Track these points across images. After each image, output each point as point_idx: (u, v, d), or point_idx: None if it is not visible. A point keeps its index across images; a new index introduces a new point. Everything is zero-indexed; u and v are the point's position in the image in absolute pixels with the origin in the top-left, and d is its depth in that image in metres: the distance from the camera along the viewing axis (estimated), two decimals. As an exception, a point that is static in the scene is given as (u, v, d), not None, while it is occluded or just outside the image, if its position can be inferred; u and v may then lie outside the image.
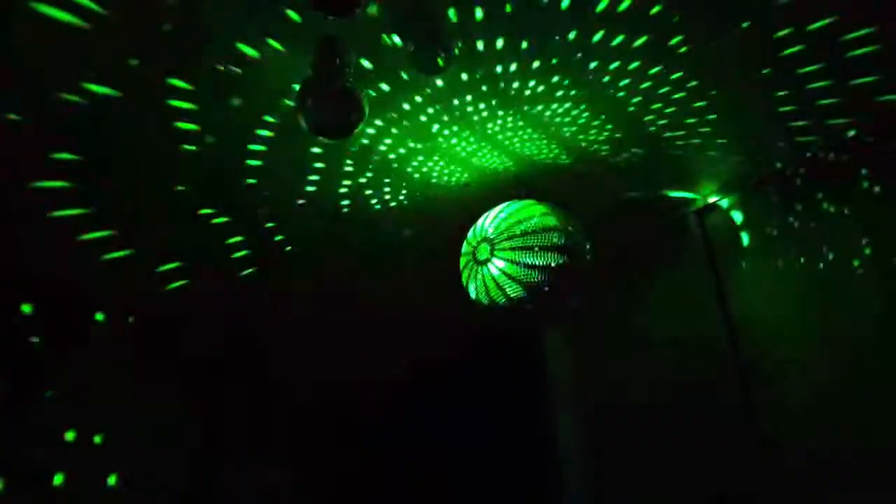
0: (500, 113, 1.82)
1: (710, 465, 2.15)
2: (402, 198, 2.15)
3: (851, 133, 2.03)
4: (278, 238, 2.27)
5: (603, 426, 2.54)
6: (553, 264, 1.59)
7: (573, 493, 2.56)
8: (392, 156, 1.94)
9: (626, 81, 1.74)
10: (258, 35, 1.45)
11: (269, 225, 2.19)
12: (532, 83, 1.71)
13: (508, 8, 1.45)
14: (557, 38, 1.56)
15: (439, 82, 1.66)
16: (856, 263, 1.97)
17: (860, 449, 1.83)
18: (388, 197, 2.13)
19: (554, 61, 1.64)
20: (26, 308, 2.24)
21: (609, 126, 1.93)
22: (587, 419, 2.61)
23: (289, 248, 2.32)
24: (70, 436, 2.23)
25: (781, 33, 1.60)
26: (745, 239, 2.29)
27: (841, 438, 1.88)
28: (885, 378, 1.83)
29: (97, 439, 2.30)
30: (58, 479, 2.15)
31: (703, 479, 2.15)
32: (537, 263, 1.59)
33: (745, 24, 1.57)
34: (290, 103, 1.64)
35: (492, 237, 1.66)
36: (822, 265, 2.06)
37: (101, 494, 2.26)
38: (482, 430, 3.11)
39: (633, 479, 2.37)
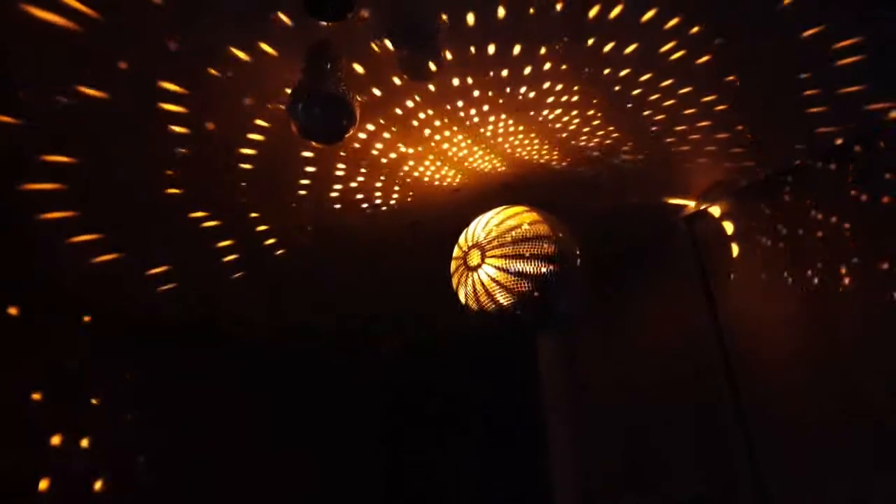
0: (493, 118, 1.82)
1: (698, 465, 2.16)
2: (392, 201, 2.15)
3: (839, 141, 2.06)
4: (270, 241, 2.26)
5: (594, 430, 2.55)
6: (544, 270, 1.59)
7: (564, 495, 2.56)
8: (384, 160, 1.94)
9: (617, 89, 1.75)
10: (249, 39, 1.45)
11: (261, 228, 2.18)
12: (523, 89, 1.72)
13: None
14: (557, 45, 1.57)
15: (432, 87, 1.67)
16: (843, 270, 1.99)
17: (848, 449, 1.85)
18: (378, 200, 2.13)
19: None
20: (13, 311, 2.22)
21: (601, 132, 1.94)
22: (579, 423, 2.61)
23: (279, 251, 2.32)
24: (56, 440, 2.21)
25: (768, 42, 1.62)
26: (734, 246, 2.31)
27: (826, 440, 1.89)
28: (870, 382, 1.85)
29: (84, 443, 2.28)
30: (43, 485, 2.13)
31: (690, 480, 2.16)
32: (528, 270, 1.59)
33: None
34: (281, 107, 1.64)
35: (483, 243, 1.66)
36: (809, 272, 2.07)
37: (87, 498, 2.24)
38: (475, 436, 3.11)
39: (622, 481, 2.37)
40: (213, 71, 1.51)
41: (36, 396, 2.20)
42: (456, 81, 1.66)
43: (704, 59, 1.66)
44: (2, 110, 1.53)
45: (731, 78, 1.74)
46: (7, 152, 1.58)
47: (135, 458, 2.41)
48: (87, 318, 2.43)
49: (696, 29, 1.56)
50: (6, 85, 1.47)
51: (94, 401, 2.36)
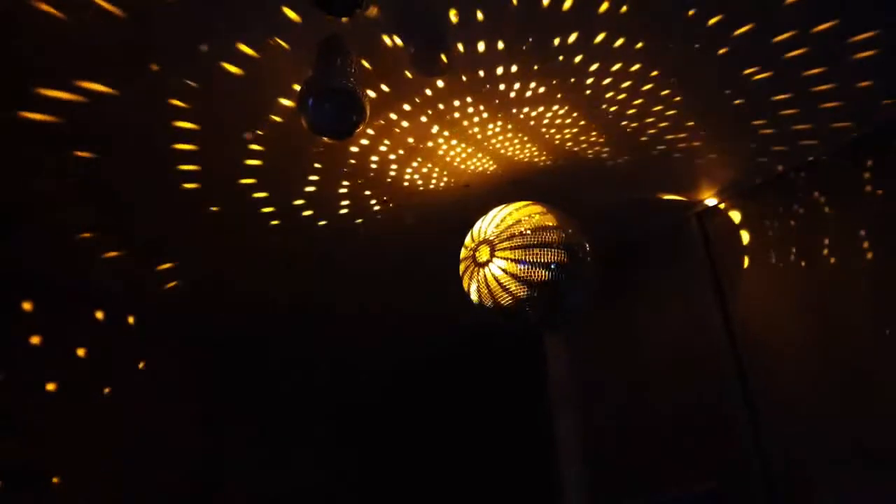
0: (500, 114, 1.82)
1: (707, 461, 2.16)
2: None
3: (853, 136, 2.03)
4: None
5: (602, 427, 2.54)
6: (553, 266, 1.59)
7: (572, 493, 2.56)
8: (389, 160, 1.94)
9: (627, 84, 1.74)
10: (259, 34, 1.45)
11: (274, 223, 2.18)
12: (533, 84, 1.71)
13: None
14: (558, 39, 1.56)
15: (440, 83, 1.66)
16: (855, 267, 1.97)
17: (857, 447, 1.84)
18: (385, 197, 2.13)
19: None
20: (27, 306, 2.25)
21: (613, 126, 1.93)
22: (586, 420, 2.61)
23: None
24: (70, 430, 2.24)
25: (783, 36, 1.60)
26: (745, 242, 2.29)
27: (838, 439, 1.88)
28: (881, 378, 1.83)
29: (96, 435, 2.30)
30: (55, 479, 2.15)
31: (700, 475, 2.15)
32: (537, 266, 1.59)
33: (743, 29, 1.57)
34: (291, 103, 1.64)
35: (492, 239, 1.66)
36: (821, 268, 2.05)
37: (99, 494, 2.26)
38: (482, 431, 3.12)
39: (631, 478, 2.37)
40: (224, 66, 1.51)
41: (50, 387, 2.22)
42: (465, 77, 1.65)
43: (721, 51, 1.64)
44: (18, 106, 1.55)
45: (747, 72, 1.72)
46: None
47: (142, 451, 2.43)
48: (99, 313, 2.45)
49: (713, 21, 1.54)
50: (22, 81, 1.48)
51: (106, 390, 2.38)
